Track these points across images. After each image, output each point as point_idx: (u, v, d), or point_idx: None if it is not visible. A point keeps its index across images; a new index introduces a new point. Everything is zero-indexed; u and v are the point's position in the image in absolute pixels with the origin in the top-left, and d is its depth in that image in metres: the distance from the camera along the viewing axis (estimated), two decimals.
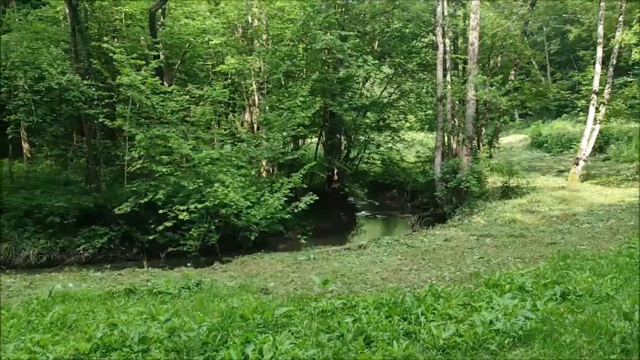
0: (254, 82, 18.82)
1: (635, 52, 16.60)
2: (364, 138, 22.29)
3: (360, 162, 25.04)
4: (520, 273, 7.60)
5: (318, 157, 22.54)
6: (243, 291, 7.49)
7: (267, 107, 16.79)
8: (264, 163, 19.57)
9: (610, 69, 20.24)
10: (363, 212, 25.61)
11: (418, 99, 24.05)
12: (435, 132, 20.83)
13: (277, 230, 16.90)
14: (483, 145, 24.45)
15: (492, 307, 5.99)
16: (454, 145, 22.56)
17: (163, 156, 12.97)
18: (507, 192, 19.10)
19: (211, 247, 13.25)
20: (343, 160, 23.58)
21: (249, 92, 19.78)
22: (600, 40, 20.04)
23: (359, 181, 25.51)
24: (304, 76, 16.49)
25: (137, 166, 13.04)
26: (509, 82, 20.36)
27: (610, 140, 28.45)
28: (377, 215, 25.01)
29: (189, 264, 11.24)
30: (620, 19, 20.06)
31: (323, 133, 22.45)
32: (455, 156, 21.05)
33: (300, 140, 23.66)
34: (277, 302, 6.45)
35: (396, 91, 24.81)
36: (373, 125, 23.44)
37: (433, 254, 10.63)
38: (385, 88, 24.83)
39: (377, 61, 17.53)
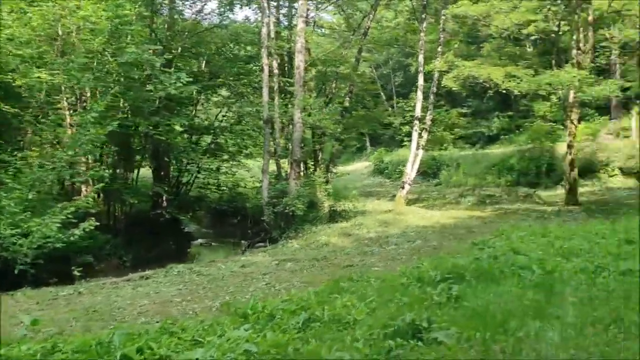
0: (63, 98, 17.04)
1: (447, 79, 17.42)
2: (189, 161, 21.12)
3: (194, 187, 23.87)
4: (281, 299, 6.91)
5: (142, 181, 21.01)
6: None
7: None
8: (83, 188, 17.75)
9: (431, 97, 21.12)
10: (199, 240, 24.35)
11: (254, 123, 23.47)
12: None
13: (86, 261, 15.26)
14: (320, 170, 24.32)
15: (219, 342, 5.18)
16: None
17: None
18: (334, 216, 18.94)
19: None
20: (174, 185, 22.26)
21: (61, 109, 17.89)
22: (420, 68, 20.89)
23: (193, 207, 24.31)
24: (115, 92, 15.08)
25: None
26: (329, 105, 20.43)
27: (441, 167, 29.92)
28: (213, 243, 23.86)
29: None
30: (439, 49, 21.05)
31: (148, 156, 20.96)
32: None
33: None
34: None
35: (233, 114, 24.11)
36: (205, 149, 22.45)
37: (220, 282, 9.77)
38: (220, 111, 23.99)
39: (191, 79, 16.59)
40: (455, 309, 6.14)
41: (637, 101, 26.92)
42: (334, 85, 24.54)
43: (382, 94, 43.64)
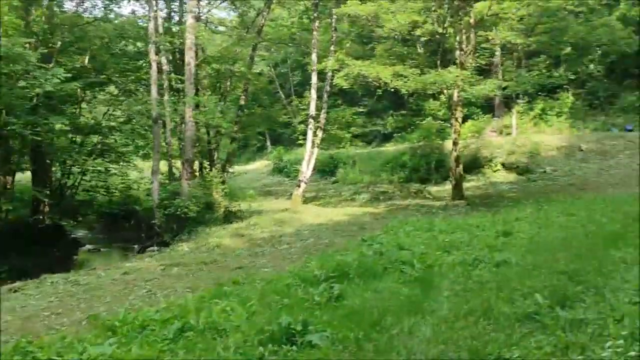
0: None
1: (338, 77, 17.60)
2: (73, 163, 19.89)
3: (80, 191, 22.51)
4: (157, 309, 6.54)
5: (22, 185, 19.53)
6: None
7: None
8: None
9: (325, 95, 21.26)
10: (87, 247, 22.98)
11: (144, 122, 22.51)
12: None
13: None
14: (216, 169, 23.82)
15: None
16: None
17: None
18: (229, 217, 18.55)
19: None
20: (57, 188, 20.87)
21: None
22: (314, 67, 20.97)
23: (80, 212, 22.98)
24: None
25: None
26: (221, 103, 20.05)
27: (339, 165, 30.30)
28: (102, 249, 22.60)
29: None
30: (332, 48, 21.24)
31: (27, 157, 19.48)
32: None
33: None
34: None
35: (122, 113, 23.01)
36: (91, 149, 21.24)
37: (97, 291, 9.16)
38: (108, 109, 22.80)
39: (70, 75, 15.57)
40: (335, 308, 6.10)
41: (518, 100, 28.82)
42: (228, 83, 24.09)
43: (281, 92, 43.54)
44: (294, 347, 4.73)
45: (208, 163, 23.59)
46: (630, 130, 25.20)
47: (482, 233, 10.93)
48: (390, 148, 31.45)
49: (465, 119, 28.82)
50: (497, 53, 23.96)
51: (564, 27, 17.55)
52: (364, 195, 22.04)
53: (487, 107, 29.30)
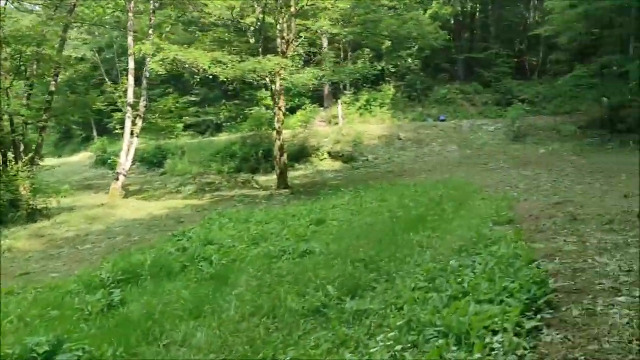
0: None
1: (153, 62, 16.46)
2: None
3: None
4: None
5: None
6: None
7: None
8: None
9: (144, 81, 19.95)
10: None
11: None
12: None
13: None
14: (23, 162, 21.27)
15: None
16: None
17: None
18: (34, 215, 16.62)
19: None
20: None
21: None
22: (130, 50, 19.57)
23: None
24: None
25: None
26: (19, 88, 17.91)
27: (167, 155, 28.91)
28: None
29: None
30: (150, 31, 19.96)
31: None
32: None
33: None
34: None
35: None
36: None
37: None
38: None
39: None
40: (108, 318, 5.40)
41: (345, 91, 29.76)
42: (35, 66, 21.58)
43: (106, 79, 40.65)
44: None
45: (13, 155, 21.01)
46: (443, 120, 27.23)
47: (296, 222, 10.76)
48: (222, 138, 30.76)
49: (295, 109, 29.14)
50: (325, 44, 24.36)
51: (377, 20, 18.18)
52: (189, 186, 21.11)
53: (316, 97, 29.83)
